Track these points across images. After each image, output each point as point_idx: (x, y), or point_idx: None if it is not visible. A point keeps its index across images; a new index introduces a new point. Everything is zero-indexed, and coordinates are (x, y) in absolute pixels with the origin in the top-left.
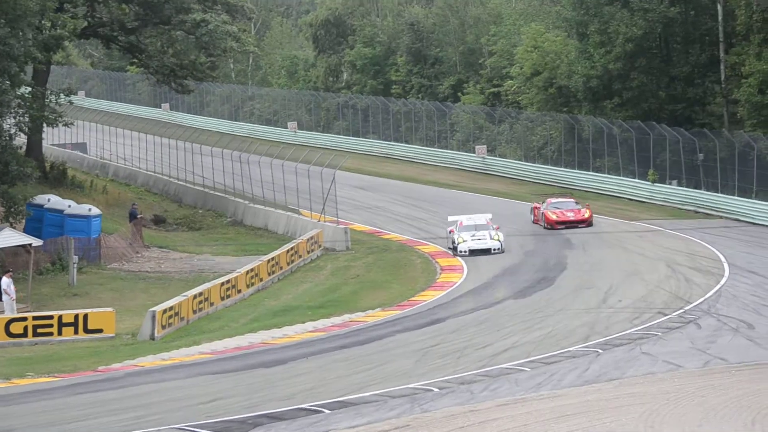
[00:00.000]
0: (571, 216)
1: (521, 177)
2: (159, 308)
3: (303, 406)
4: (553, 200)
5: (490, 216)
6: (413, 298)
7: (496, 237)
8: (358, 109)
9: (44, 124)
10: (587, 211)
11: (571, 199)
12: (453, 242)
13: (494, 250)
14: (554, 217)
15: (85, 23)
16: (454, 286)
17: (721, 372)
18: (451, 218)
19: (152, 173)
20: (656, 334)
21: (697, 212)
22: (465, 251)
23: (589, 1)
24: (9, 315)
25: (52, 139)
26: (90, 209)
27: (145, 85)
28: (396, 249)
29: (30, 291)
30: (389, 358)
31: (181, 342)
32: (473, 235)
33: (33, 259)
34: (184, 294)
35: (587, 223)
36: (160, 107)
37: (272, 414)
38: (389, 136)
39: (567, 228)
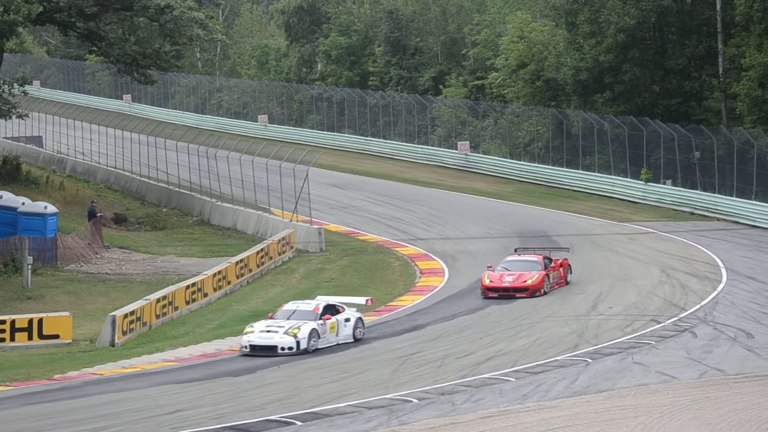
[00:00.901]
0: (507, 282)
1: (506, 175)
2: (119, 313)
3: (273, 417)
4: (512, 258)
5: (338, 301)
6: (391, 303)
7: (293, 332)
8: (333, 102)
9: None
10: (534, 276)
11: (537, 258)
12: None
13: (283, 348)
14: (487, 281)
15: (41, 8)
16: (435, 291)
17: (718, 384)
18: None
19: (113, 169)
20: (649, 343)
21: (693, 214)
22: (245, 347)
23: None
24: None
25: (5, 132)
26: (46, 207)
27: (106, 75)
28: (373, 251)
29: None
30: (365, 366)
31: (143, 349)
32: (267, 326)
33: None
34: (147, 298)
35: (530, 292)
36: (122, 99)
37: (240, 426)
38: (366, 131)
39: (501, 298)
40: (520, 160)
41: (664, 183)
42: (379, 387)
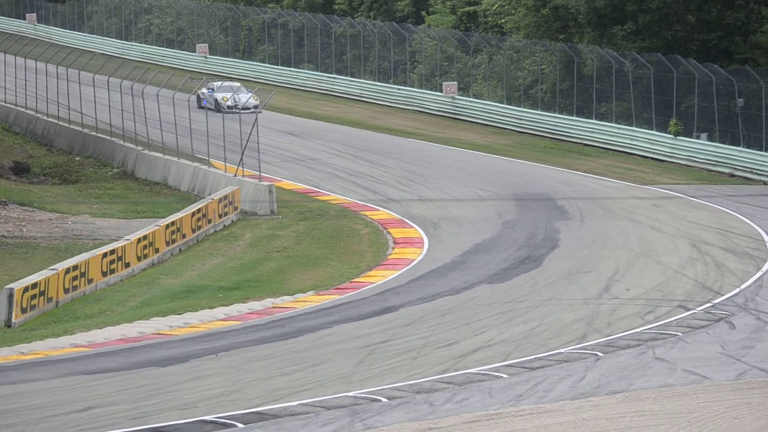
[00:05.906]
0: None
1: (502, 124)
2: (18, 285)
3: (208, 417)
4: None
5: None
6: (357, 280)
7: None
8: (290, 29)
9: None
10: None
11: None
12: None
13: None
14: None
15: None
16: (411, 265)
17: (760, 387)
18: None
19: (12, 106)
20: (675, 335)
21: (733, 176)
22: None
23: None
24: None
25: None
26: None
27: None
28: (336, 215)
29: None
30: (324, 356)
31: (47, 330)
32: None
33: None
34: (53, 267)
35: None
36: (24, 18)
37: (167, 428)
38: (330, 67)
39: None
40: (519, 106)
41: (698, 137)
42: (340, 382)
